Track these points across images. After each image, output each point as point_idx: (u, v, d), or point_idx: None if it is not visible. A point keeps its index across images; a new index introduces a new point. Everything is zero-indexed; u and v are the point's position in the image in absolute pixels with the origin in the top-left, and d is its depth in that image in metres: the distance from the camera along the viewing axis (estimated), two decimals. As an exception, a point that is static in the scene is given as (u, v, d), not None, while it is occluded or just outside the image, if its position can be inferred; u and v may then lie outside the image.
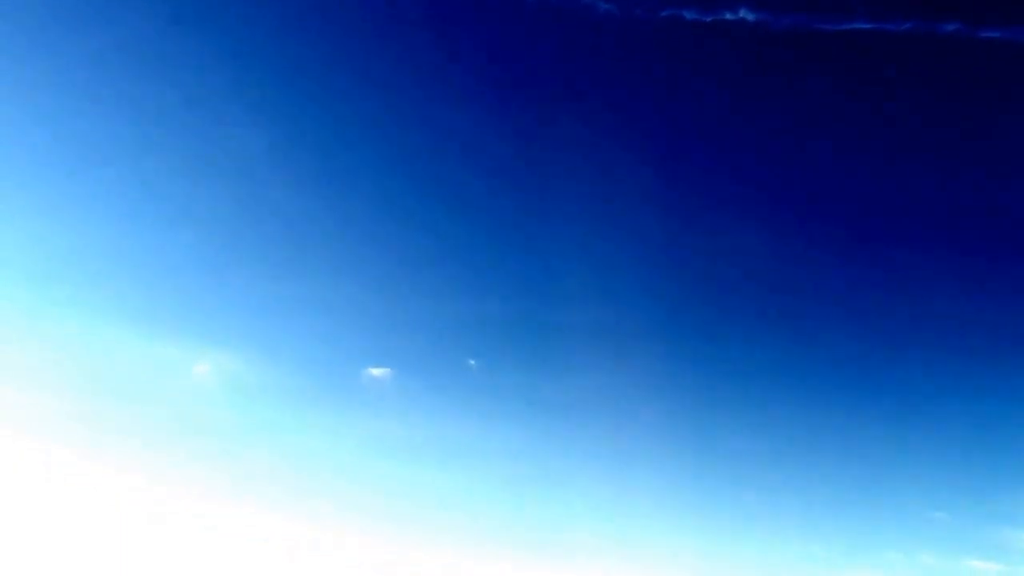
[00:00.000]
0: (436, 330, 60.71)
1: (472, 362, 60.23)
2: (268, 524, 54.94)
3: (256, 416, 58.66)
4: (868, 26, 53.16)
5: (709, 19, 53.98)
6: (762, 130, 60.43)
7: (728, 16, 53.59)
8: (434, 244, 61.50)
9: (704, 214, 61.49)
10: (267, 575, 52.37)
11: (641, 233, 61.33)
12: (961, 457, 59.01)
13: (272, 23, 58.75)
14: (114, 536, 51.87)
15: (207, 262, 59.74)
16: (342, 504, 57.06)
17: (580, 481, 58.94)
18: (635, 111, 60.63)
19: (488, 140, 60.09)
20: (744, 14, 53.56)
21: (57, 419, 54.38)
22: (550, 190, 59.90)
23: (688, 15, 54.04)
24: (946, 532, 57.27)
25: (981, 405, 59.59)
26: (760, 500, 58.98)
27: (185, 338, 57.98)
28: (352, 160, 60.78)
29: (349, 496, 57.54)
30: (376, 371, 59.04)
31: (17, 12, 54.97)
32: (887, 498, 58.79)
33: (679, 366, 61.31)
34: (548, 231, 60.52)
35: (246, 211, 60.19)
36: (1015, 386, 58.95)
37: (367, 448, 59.11)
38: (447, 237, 61.56)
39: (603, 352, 59.69)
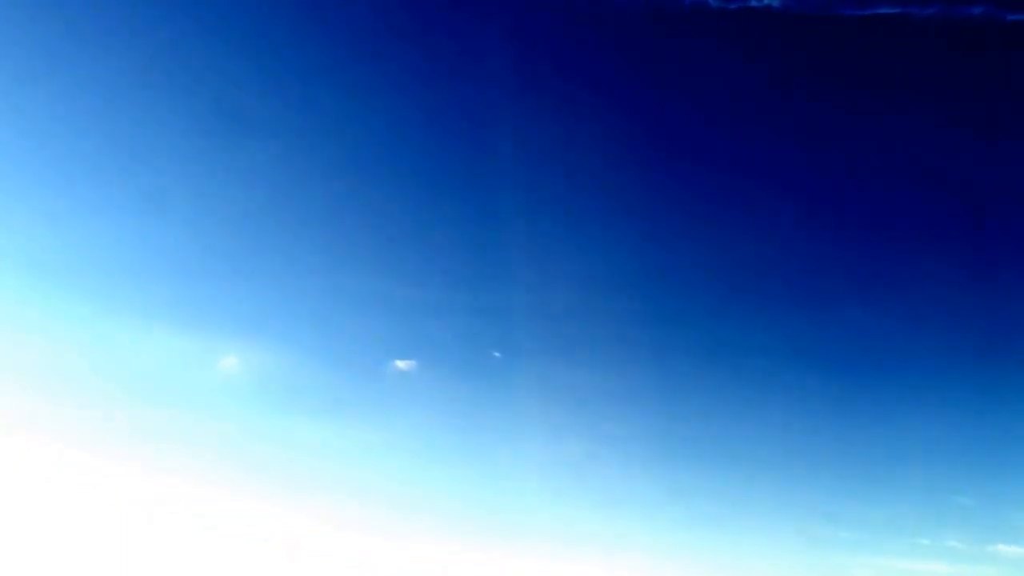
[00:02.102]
0: (461, 322, 60.89)
1: (497, 354, 60.36)
2: (295, 517, 55.44)
3: (282, 408, 59.04)
4: (893, 11, 52.60)
5: (735, 6, 53.51)
6: (786, 117, 60.14)
7: (754, 3, 53.10)
8: (459, 236, 61.59)
9: (729, 204, 61.39)
10: (290, 568, 52.77)
11: (666, 224, 61.50)
12: (986, 443, 59.29)
13: (290, 13, 58.63)
14: (140, 531, 52.29)
15: (232, 256, 59.94)
16: (368, 495, 57.60)
17: (608, 473, 59.49)
18: (660, 100, 60.41)
19: (511, 131, 59.47)
20: (769, 0, 53.05)
21: (82, 414, 54.80)
22: (574, 182, 60.02)
23: (713, 3, 53.58)
24: (972, 517, 57.69)
25: (1006, 390, 59.70)
26: (789, 487, 59.34)
27: (211, 331, 58.27)
28: (374, 154, 60.68)
29: (374, 487, 58.06)
30: (401, 364, 59.27)
31: (39, 13, 54.94)
32: (913, 484, 59.06)
33: (708, 354, 61.82)
34: (572, 222, 60.70)
35: (271, 205, 60.30)
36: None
37: (392, 440, 59.56)
38: (471, 229, 61.62)
39: (628, 343, 59.97)
